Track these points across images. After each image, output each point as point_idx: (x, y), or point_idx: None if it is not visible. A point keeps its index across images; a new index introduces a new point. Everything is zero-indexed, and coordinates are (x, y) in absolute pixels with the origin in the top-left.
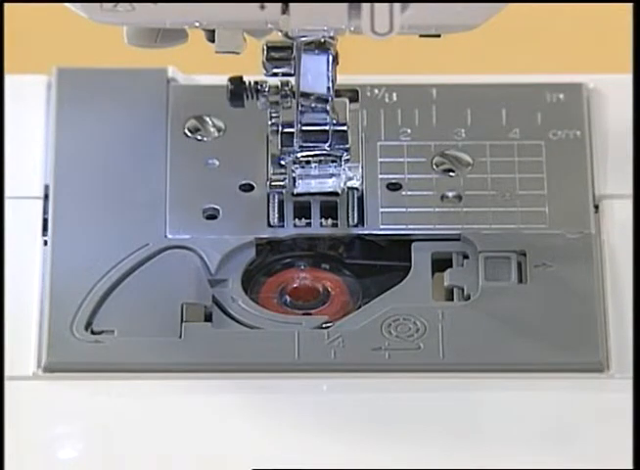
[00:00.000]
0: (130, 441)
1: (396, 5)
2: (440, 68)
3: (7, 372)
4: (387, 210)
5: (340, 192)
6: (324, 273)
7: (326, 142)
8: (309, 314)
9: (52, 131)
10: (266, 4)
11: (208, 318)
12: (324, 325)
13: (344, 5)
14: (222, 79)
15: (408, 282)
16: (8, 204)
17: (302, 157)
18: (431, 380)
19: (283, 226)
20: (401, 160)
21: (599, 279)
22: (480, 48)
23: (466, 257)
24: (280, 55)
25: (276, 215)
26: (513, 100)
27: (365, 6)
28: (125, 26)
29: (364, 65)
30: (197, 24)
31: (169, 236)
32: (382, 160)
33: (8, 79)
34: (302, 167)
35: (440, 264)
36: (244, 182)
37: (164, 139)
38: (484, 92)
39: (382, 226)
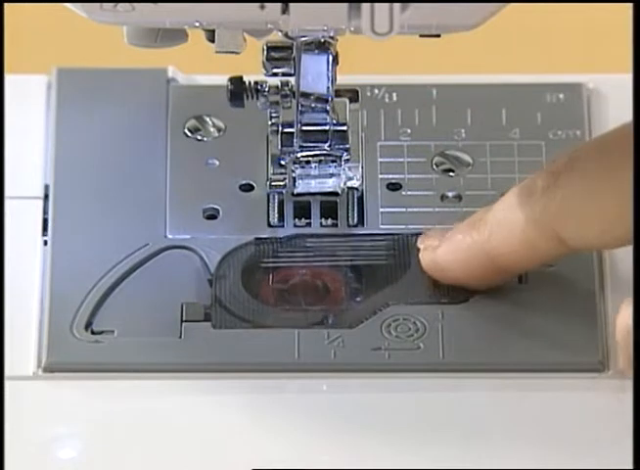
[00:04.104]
0: (130, 441)
1: (396, 5)
2: (440, 68)
3: (7, 372)
4: (387, 210)
5: (339, 192)
6: (323, 269)
7: (326, 142)
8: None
9: (52, 131)
10: (266, 4)
11: (208, 318)
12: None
13: (344, 5)
14: (222, 79)
15: (407, 280)
16: (8, 204)
17: (302, 157)
18: (431, 380)
19: (283, 226)
20: (401, 160)
21: (599, 279)
22: (480, 48)
23: None
24: (280, 55)
25: (276, 215)
26: (513, 100)
27: (365, 6)
28: (125, 26)
29: (364, 65)
30: (197, 24)
31: (169, 236)
32: (382, 160)
33: (8, 79)
34: (302, 167)
35: None
36: (244, 182)
37: (164, 139)
38: (484, 92)
39: (381, 226)
